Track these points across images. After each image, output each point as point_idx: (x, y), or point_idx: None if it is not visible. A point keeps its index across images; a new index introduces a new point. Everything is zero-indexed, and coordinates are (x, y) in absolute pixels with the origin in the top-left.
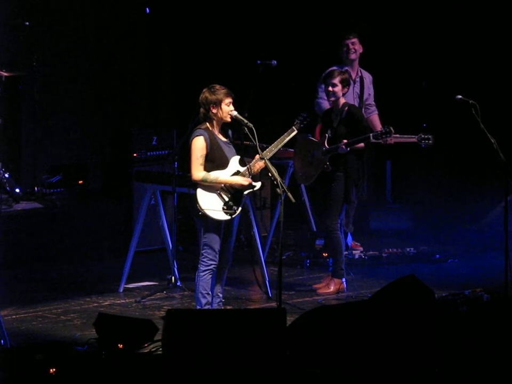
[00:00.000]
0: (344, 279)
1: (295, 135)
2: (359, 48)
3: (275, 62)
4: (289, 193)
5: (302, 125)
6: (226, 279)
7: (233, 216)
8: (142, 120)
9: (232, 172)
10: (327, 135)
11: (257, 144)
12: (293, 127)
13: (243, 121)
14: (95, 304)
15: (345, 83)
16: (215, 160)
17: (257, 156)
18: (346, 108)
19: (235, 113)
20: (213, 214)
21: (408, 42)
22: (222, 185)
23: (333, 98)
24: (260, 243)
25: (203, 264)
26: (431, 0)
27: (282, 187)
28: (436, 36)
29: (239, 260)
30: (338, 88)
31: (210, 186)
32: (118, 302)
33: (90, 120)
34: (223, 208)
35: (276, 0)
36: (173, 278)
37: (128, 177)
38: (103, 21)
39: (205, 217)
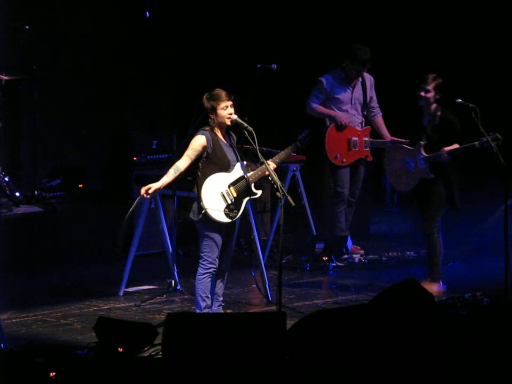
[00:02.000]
0: (441, 282)
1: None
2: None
3: (275, 65)
4: (289, 197)
5: (304, 141)
6: (227, 282)
7: (233, 219)
8: (142, 124)
9: (237, 177)
10: (422, 142)
11: (257, 147)
12: (297, 143)
13: (243, 124)
14: (95, 308)
15: (439, 89)
16: (217, 162)
17: (265, 168)
18: (439, 113)
19: (235, 117)
20: (214, 215)
21: (408, 46)
22: (227, 188)
23: (423, 104)
24: (260, 247)
25: (202, 268)
26: (432, 4)
27: (282, 191)
28: (436, 39)
29: (239, 264)
30: (431, 94)
31: (215, 187)
32: (118, 305)
33: (90, 124)
34: (225, 210)
35: (276, 4)
36: (172, 281)
37: (128, 180)
38: (103, 24)
39: (205, 219)
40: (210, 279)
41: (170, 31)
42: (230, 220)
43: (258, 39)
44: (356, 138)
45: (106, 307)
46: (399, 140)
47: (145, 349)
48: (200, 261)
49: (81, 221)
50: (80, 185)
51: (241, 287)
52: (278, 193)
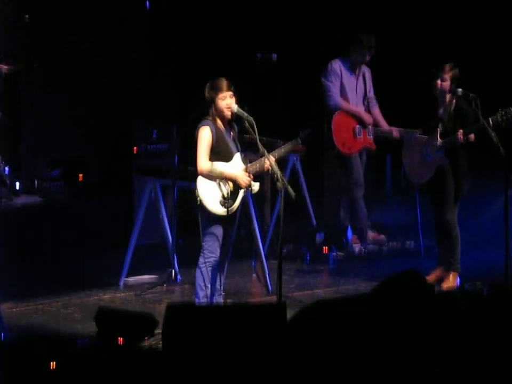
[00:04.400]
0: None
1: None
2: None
3: (275, 55)
4: (289, 188)
5: (305, 138)
6: (227, 272)
7: (228, 210)
8: (142, 114)
9: (235, 167)
10: (438, 129)
11: (258, 137)
12: (298, 139)
13: (243, 115)
14: (95, 298)
15: (455, 79)
16: (220, 153)
17: (264, 161)
18: (454, 102)
19: (235, 107)
20: (209, 204)
21: (407, 38)
22: (224, 178)
23: (438, 93)
24: (260, 237)
25: (203, 257)
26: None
27: (282, 181)
28: (435, 32)
29: (239, 254)
30: (447, 84)
31: (211, 176)
32: (118, 295)
33: (90, 114)
34: (220, 201)
35: None
36: (173, 271)
37: (128, 171)
38: (103, 16)
39: (202, 207)
40: (210, 268)
41: (170, 22)
42: (224, 210)
43: (258, 30)
44: (360, 126)
45: (106, 297)
46: (398, 129)
47: (146, 338)
48: (201, 250)
49: (81, 211)
50: (80, 176)
51: (241, 277)
52: (278, 184)
